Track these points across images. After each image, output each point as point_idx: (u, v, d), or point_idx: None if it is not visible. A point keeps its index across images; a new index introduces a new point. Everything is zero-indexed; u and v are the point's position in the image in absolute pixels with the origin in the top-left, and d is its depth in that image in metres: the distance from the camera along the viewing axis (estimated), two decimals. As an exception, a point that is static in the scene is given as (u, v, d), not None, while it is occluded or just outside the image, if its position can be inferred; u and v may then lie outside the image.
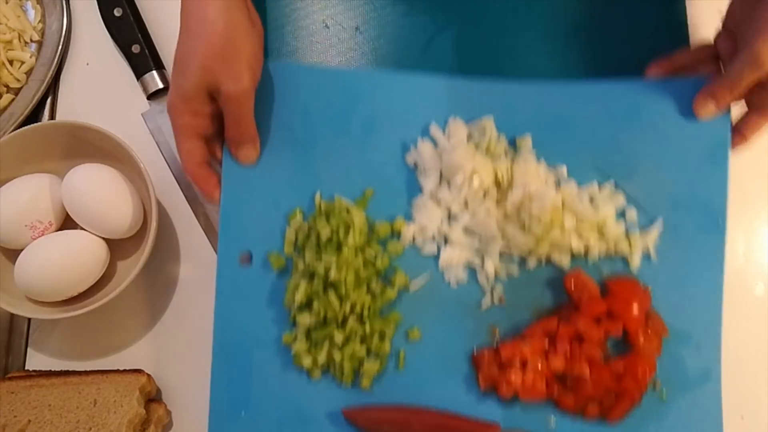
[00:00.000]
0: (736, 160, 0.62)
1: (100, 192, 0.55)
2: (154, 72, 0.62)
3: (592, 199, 0.54)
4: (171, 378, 0.58)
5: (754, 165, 0.62)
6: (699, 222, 0.53)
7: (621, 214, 0.54)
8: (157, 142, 0.62)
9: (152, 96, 0.63)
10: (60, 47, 0.63)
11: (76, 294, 0.56)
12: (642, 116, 0.54)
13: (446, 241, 0.54)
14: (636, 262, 0.53)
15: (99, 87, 0.64)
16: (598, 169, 0.54)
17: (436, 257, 0.54)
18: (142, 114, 0.62)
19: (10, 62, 0.63)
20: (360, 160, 0.54)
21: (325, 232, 0.51)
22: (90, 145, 0.58)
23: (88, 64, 0.65)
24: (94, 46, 0.65)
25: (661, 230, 0.53)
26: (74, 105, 0.64)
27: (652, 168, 0.54)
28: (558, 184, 0.54)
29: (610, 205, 0.53)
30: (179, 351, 0.58)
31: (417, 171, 0.55)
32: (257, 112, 0.53)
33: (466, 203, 0.53)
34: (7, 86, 0.63)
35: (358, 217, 0.52)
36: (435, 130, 0.55)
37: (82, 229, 0.57)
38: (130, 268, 0.55)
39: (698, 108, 0.53)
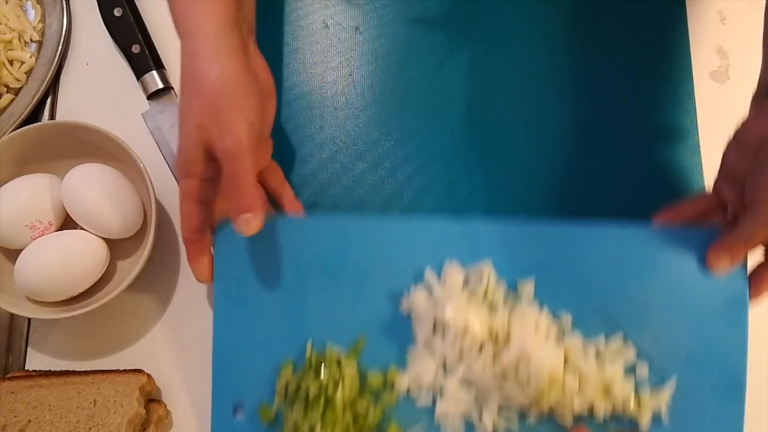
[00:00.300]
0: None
1: (100, 192, 0.55)
2: (154, 72, 0.62)
3: (598, 354, 0.51)
4: (171, 378, 0.58)
5: (754, 165, 0.62)
6: (715, 382, 0.50)
7: (630, 369, 0.51)
8: (157, 142, 0.62)
9: (152, 96, 0.62)
10: (60, 47, 0.63)
11: (76, 294, 0.56)
12: (654, 265, 0.52)
13: (442, 392, 0.52)
14: (645, 422, 0.50)
15: (99, 87, 0.64)
16: (607, 318, 0.51)
17: (432, 409, 0.52)
18: (142, 114, 0.62)
19: (10, 62, 0.63)
20: (353, 307, 0.53)
21: (313, 390, 0.50)
22: (90, 145, 0.58)
23: (88, 64, 0.65)
24: (94, 46, 0.65)
25: (673, 389, 0.50)
26: (74, 105, 0.64)
27: (665, 320, 0.51)
28: (562, 335, 0.51)
29: (618, 362, 0.50)
30: (179, 351, 0.59)
31: (411, 319, 0.53)
32: (246, 260, 0.52)
33: (461, 355, 0.51)
34: (7, 86, 0.63)
35: (350, 370, 0.50)
36: (429, 275, 0.53)
37: (82, 229, 0.57)
38: (130, 268, 0.55)
39: (712, 262, 0.51)
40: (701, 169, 0.62)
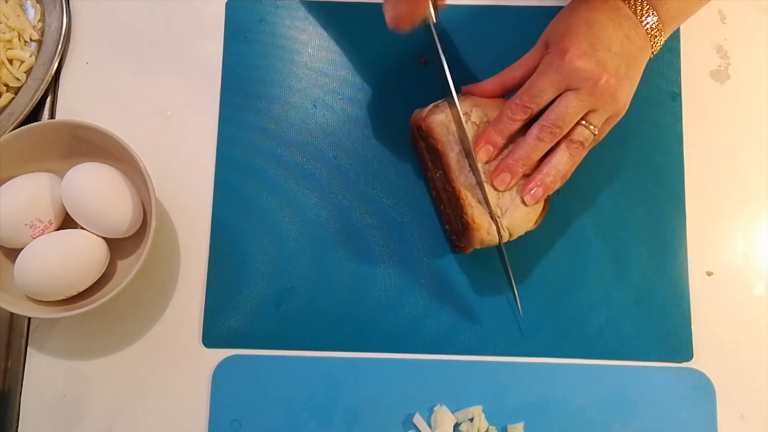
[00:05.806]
0: (736, 158, 0.62)
1: (100, 191, 0.55)
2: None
3: None
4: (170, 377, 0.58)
5: (754, 165, 0.62)
6: None
7: None
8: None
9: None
10: (60, 46, 0.63)
11: (76, 293, 0.56)
12: (638, 402, 0.56)
13: None
14: None
15: (99, 86, 0.64)
16: None
17: None
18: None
19: (10, 61, 0.63)
20: None
21: None
22: (90, 144, 0.58)
23: (87, 63, 0.65)
24: (93, 45, 0.65)
25: None
26: (74, 104, 0.64)
27: None
28: None
29: None
30: (179, 351, 0.59)
31: None
32: (238, 401, 0.55)
33: None
34: (6, 85, 0.63)
35: None
36: (419, 421, 0.55)
37: (82, 228, 0.57)
38: (130, 267, 0.55)
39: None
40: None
